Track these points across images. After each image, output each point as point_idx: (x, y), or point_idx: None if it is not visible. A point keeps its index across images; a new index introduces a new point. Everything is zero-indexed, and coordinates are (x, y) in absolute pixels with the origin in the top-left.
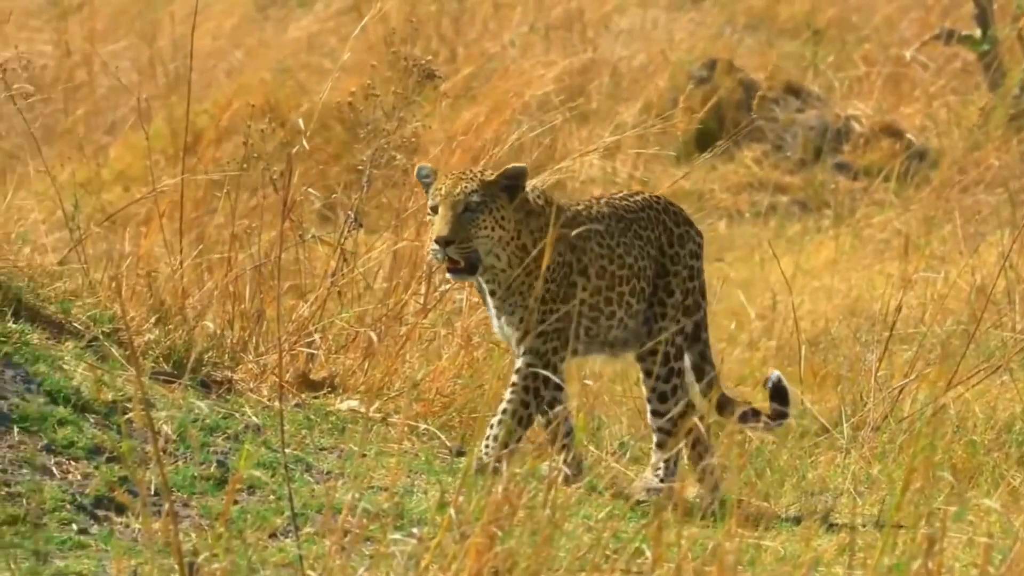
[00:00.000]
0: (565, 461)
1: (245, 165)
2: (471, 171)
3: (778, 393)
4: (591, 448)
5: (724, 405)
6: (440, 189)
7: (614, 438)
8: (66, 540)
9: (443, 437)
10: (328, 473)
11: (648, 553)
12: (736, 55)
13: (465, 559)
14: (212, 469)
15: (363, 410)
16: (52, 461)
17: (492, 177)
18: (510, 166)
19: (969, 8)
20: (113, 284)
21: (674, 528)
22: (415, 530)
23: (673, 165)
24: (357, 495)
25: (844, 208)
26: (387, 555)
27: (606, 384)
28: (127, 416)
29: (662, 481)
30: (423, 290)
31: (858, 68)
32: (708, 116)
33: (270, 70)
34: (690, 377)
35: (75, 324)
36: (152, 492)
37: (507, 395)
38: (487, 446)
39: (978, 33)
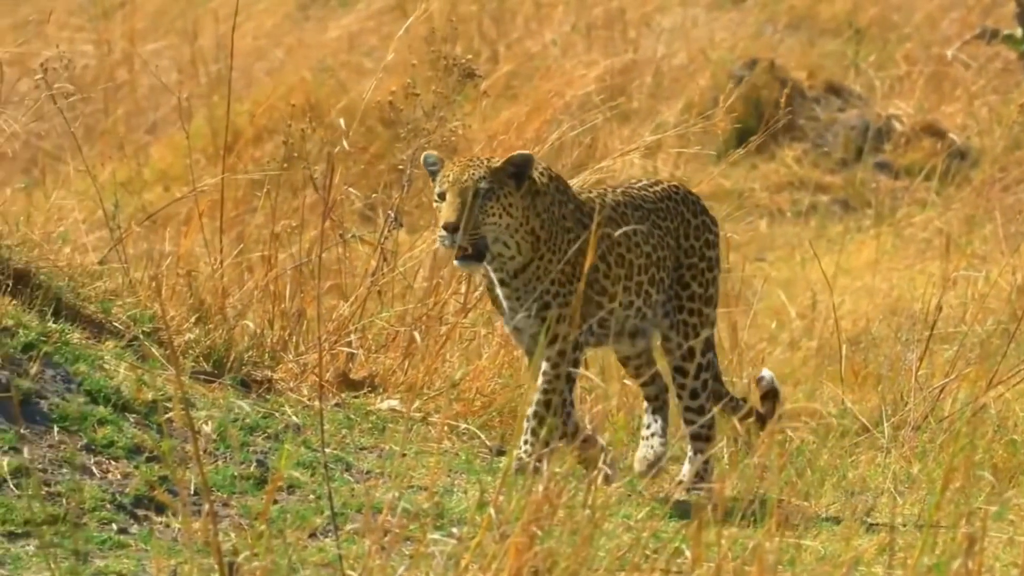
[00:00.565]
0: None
1: (285, 164)
2: (478, 158)
3: (770, 394)
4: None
5: (721, 397)
6: (448, 176)
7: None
8: (106, 540)
9: (483, 436)
10: (368, 472)
11: (687, 553)
12: (777, 54)
13: (505, 559)
14: (252, 469)
15: (403, 409)
16: (92, 461)
17: (499, 164)
18: (516, 153)
19: (1011, 7)
20: (153, 283)
21: (714, 528)
22: (455, 530)
23: (713, 164)
24: (397, 495)
25: (885, 207)
26: (427, 555)
27: None
28: (167, 416)
29: (701, 479)
30: (463, 289)
31: (899, 67)
32: (748, 115)
33: (311, 69)
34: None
35: (115, 324)
36: (192, 492)
37: (539, 385)
38: (524, 438)
39: (1019, 32)
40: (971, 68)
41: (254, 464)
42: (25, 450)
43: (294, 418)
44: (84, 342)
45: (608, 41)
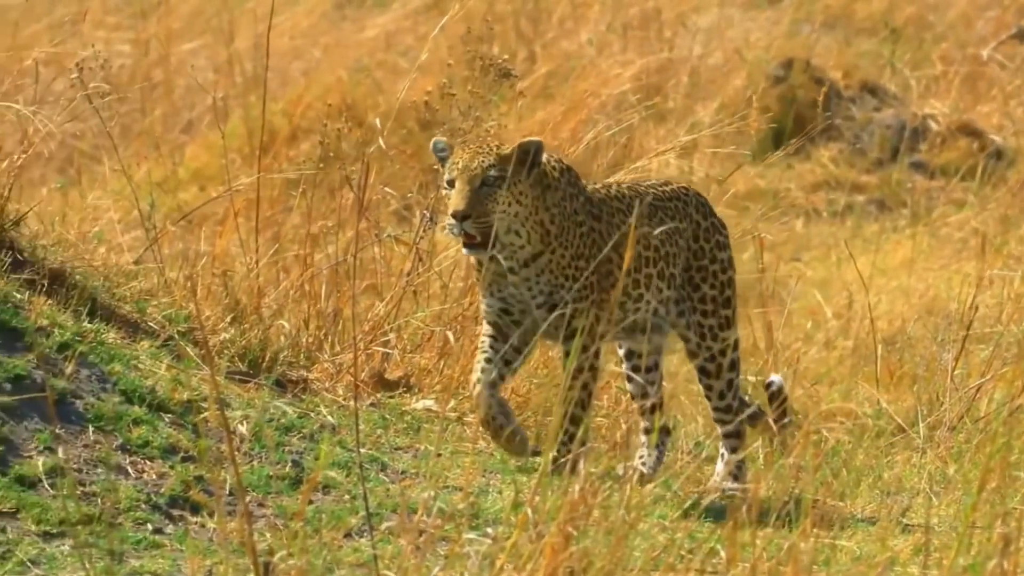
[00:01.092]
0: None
1: (321, 164)
2: (488, 145)
3: (776, 398)
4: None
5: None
6: (457, 163)
7: (689, 437)
8: (141, 540)
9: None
10: (403, 473)
11: (723, 553)
12: (813, 54)
13: (540, 559)
14: (287, 469)
15: (438, 409)
16: (127, 461)
17: (508, 151)
18: (525, 140)
19: None
20: (189, 283)
21: (749, 528)
22: (490, 530)
23: (749, 164)
24: (432, 495)
25: (921, 207)
26: (462, 555)
27: (682, 384)
28: (202, 416)
29: (735, 479)
30: None
31: (935, 67)
32: (784, 115)
33: (347, 69)
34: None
35: (151, 323)
36: (227, 492)
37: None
38: (560, 439)
39: None
40: (1007, 68)
41: (289, 464)
42: (60, 450)
43: (329, 418)
44: (119, 342)
45: (644, 41)
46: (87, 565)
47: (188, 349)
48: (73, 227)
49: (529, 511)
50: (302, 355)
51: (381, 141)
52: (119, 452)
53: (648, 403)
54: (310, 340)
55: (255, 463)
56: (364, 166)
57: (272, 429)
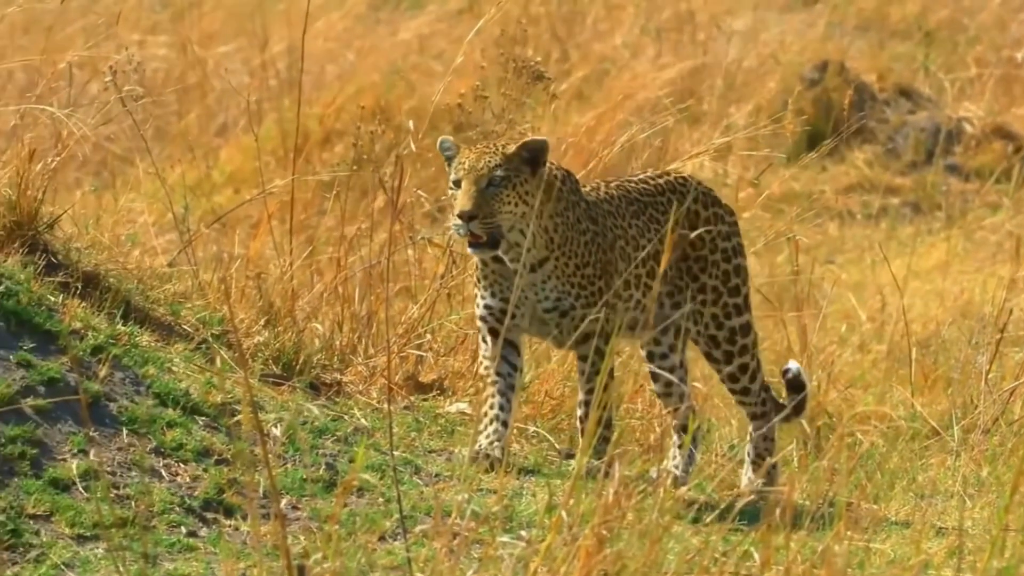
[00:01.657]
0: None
1: (355, 167)
2: (494, 145)
3: (796, 386)
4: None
5: (772, 397)
6: (463, 163)
7: (724, 440)
8: (175, 542)
9: (552, 440)
10: (437, 475)
11: (757, 556)
12: (847, 57)
13: (574, 562)
14: (321, 471)
15: (472, 412)
16: (161, 463)
17: (513, 150)
18: (530, 139)
19: None
20: (222, 286)
21: (783, 531)
22: (524, 532)
23: (784, 166)
24: (466, 497)
25: (955, 210)
26: (496, 558)
27: (716, 386)
28: (236, 418)
29: (769, 479)
30: None
31: (969, 69)
32: (818, 118)
33: (381, 72)
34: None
35: (184, 326)
36: (261, 495)
37: (584, 387)
38: (598, 450)
39: None
40: None
41: (323, 467)
42: (94, 453)
43: (363, 421)
44: (153, 345)
45: (678, 43)
46: (121, 568)
47: (222, 352)
48: (107, 230)
49: (563, 514)
50: (336, 358)
51: (414, 144)
52: (153, 455)
53: (681, 405)
54: (344, 343)
55: (289, 466)
56: (398, 169)
57: (306, 432)
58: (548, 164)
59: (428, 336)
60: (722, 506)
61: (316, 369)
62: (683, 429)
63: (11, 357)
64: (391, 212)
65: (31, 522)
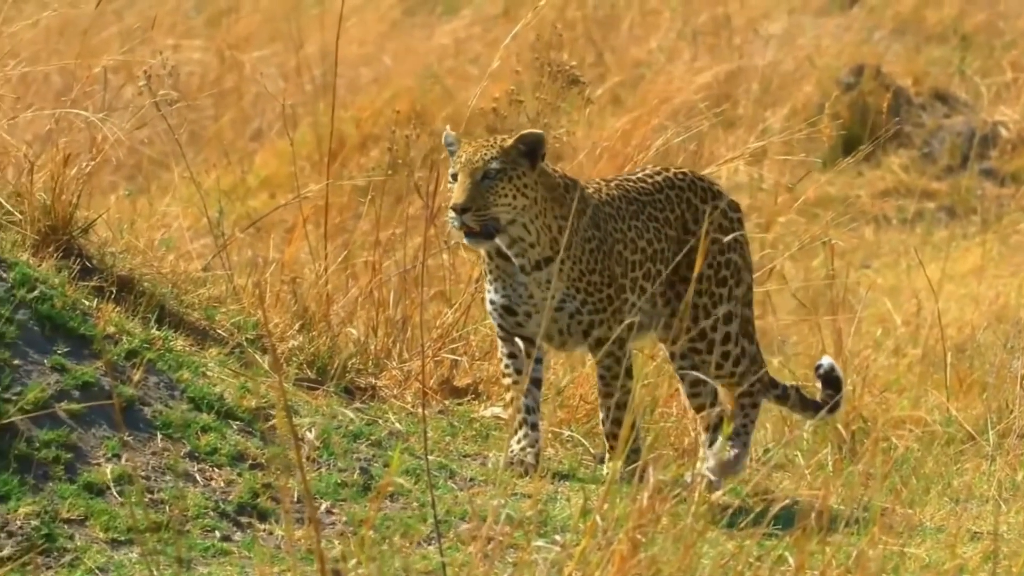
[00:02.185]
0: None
1: (390, 171)
2: (493, 138)
3: (830, 381)
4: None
5: (767, 386)
6: (460, 156)
7: (758, 444)
8: (209, 547)
9: (587, 444)
10: (472, 480)
11: (791, 561)
12: (883, 61)
13: (608, 566)
14: (355, 476)
15: (507, 416)
16: (195, 468)
17: (510, 143)
18: (526, 131)
19: None
20: (257, 290)
21: (818, 535)
22: (558, 537)
23: (819, 171)
24: (501, 502)
25: (991, 214)
26: (530, 562)
27: None
28: (270, 423)
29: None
30: None
31: (1005, 74)
32: (854, 122)
33: (416, 76)
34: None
35: (219, 331)
36: (295, 499)
37: (602, 390)
38: (610, 446)
39: None
40: None
41: (358, 471)
42: (128, 457)
43: (398, 425)
44: (187, 349)
45: (714, 47)
46: (155, 573)
47: (256, 356)
48: (142, 234)
49: (598, 518)
50: (370, 362)
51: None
52: (187, 459)
53: (709, 402)
54: (378, 347)
55: (323, 470)
56: (433, 173)
57: (340, 436)
58: (555, 173)
59: (463, 340)
60: (756, 510)
61: (350, 373)
62: (715, 429)
63: (45, 361)
64: (426, 216)
65: (65, 526)
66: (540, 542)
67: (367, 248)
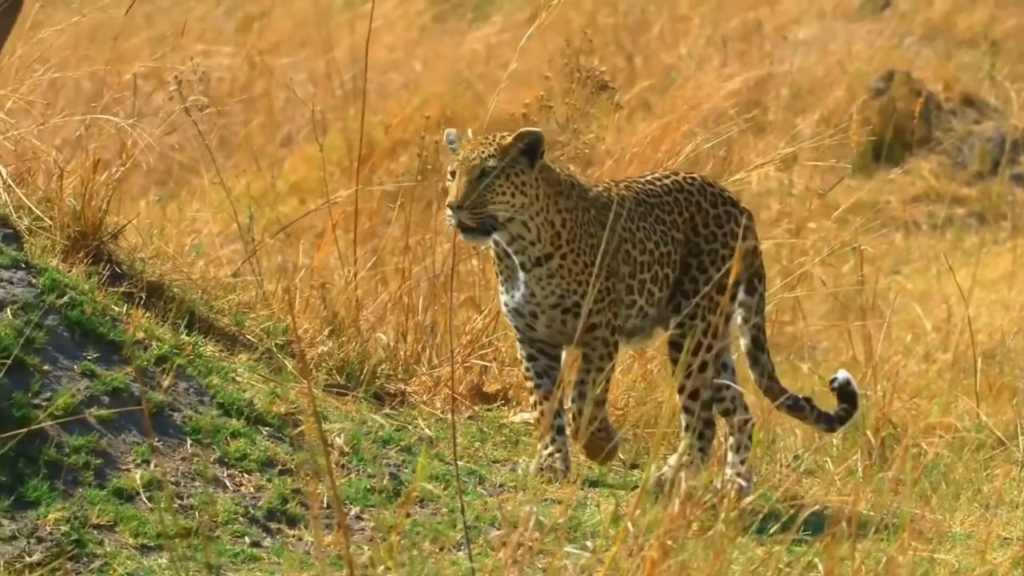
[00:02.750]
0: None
1: (420, 177)
2: (491, 136)
3: (846, 395)
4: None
5: (776, 393)
6: (459, 154)
7: (788, 451)
8: (238, 552)
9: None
10: (501, 486)
11: (821, 567)
12: (914, 66)
13: (639, 572)
14: (385, 481)
15: (533, 420)
16: (225, 473)
17: (508, 141)
18: (524, 129)
19: None
20: (287, 296)
21: (847, 542)
22: (588, 543)
23: (849, 176)
24: (531, 508)
25: (1021, 220)
26: (560, 568)
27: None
28: (300, 429)
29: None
30: None
31: None
32: (885, 128)
33: (446, 82)
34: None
35: (248, 336)
36: (325, 505)
37: (584, 373)
38: (597, 428)
39: None
40: None
41: (387, 477)
42: (157, 463)
43: (427, 431)
44: (217, 355)
45: (744, 53)
46: None
47: (286, 362)
48: (171, 240)
49: (628, 524)
50: (400, 368)
51: None
52: (217, 465)
53: (733, 405)
54: (408, 353)
55: (352, 476)
56: None
57: (369, 442)
58: (557, 168)
59: (492, 346)
60: (786, 516)
61: (380, 379)
62: (739, 431)
63: (75, 367)
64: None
65: (95, 532)
66: (570, 548)
67: (397, 254)
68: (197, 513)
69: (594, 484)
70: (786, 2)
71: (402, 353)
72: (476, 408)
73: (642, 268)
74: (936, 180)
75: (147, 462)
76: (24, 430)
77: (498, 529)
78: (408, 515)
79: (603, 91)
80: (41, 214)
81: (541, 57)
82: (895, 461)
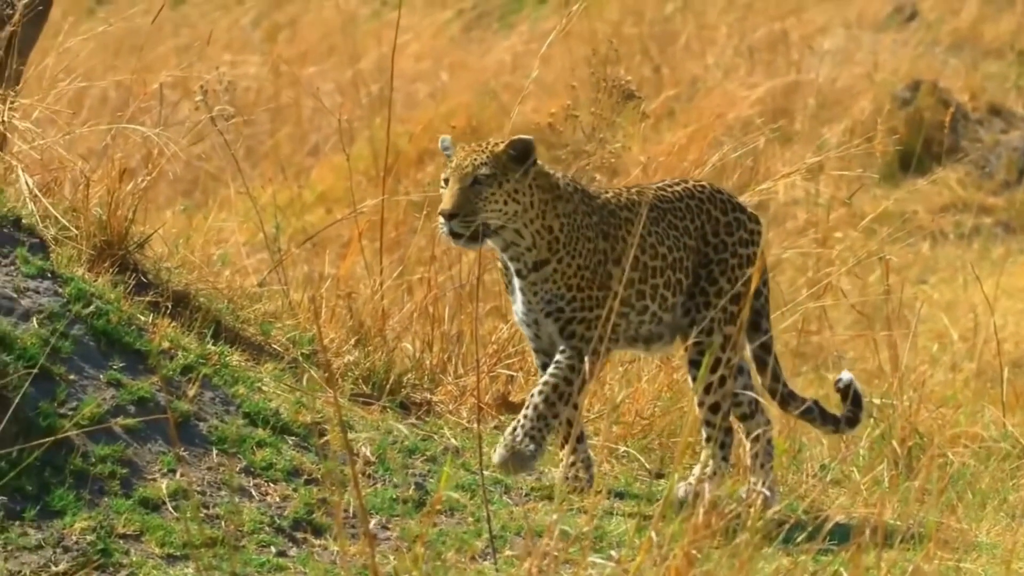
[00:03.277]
0: (577, 468)
1: None
2: (484, 143)
3: (849, 396)
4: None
5: (787, 399)
6: (452, 162)
7: (814, 460)
8: (264, 562)
9: (642, 459)
10: (527, 495)
11: None
12: (940, 76)
13: None
14: (411, 491)
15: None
16: (251, 483)
17: (501, 148)
18: (516, 137)
19: None
20: (313, 306)
21: (873, 551)
22: (614, 553)
23: (876, 186)
24: (556, 517)
25: None
26: None
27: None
28: (325, 438)
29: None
30: None
31: None
32: (912, 137)
33: (473, 91)
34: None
35: (274, 346)
36: (351, 514)
37: (549, 371)
38: (525, 418)
39: None
40: None
41: (413, 487)
42: (183, 472)
43: (453, 440)
44: (243, 364)
45: (771, 63)
46: None
47: (312, 371)
48: (198, 249)
49: (653, 534)
50: (426, 377)
51: None
52: (242, 474)
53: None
54: (434, 362)
55: (378, 486)
56: None
57: (395, 452)
58: (560, 174)
59: (518, 355)
60: (812, 526)
61: (406, 388)
62: (756, 441)
63: (101, 376)
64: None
65: (121, 542)
66: (595, 558)
67: (423, 263)
68: (223, 523)
69: (619, 494)
70: (812, 11)
71: (428, 363)
72: (502, 418)
73: (654, 273)
74: (963, 190)
75: (173, 471)
76: (50, 439)
77: (523, 539)
78: (434, 525)
79: (629, 100)
80: (67, 224)
81: (567, 66)
82: (921, 471)
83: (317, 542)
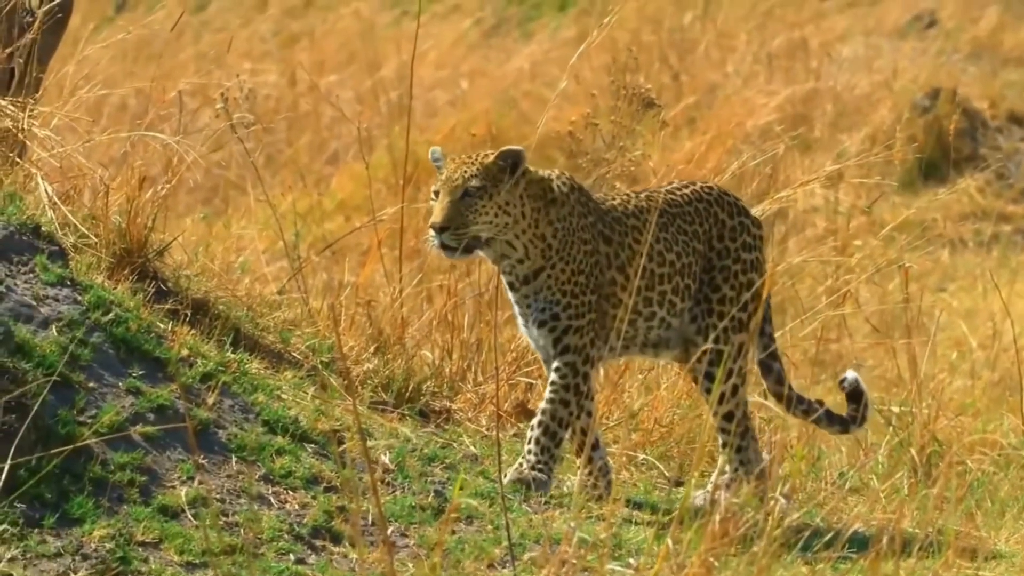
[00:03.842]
0: (594, 476)
1: None
2: (474, 155)
3: (854, 396)
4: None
5: (793, 402)
6: (442, 174)
7: (833, 468)
8: (284, 570)
9: (661, 467)
10: (546, 503)
11: None
12: (960, 84)
13: None
14: (429, 499)
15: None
16: (270, 491)
17: (491, 160)
18: (505, 148)
19: None
20: (332, 313)
21: (891, 559)
22: (632, 560)
23: (895, 194)
24: (575, 525)
25: None
26: None
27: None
28: (345, 446)
29: (728, 485)
30: None
31: None
32: (931, 145)
33: (492, 99)
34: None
35: (294, 353)
36: (369, 522)
37: (546, 396)
38: (529, 452)
39: None
40: None
41: (432, 494)
42: (202, 480)
43: (472, 448)
44: (262, 372)
45: (790, 71)
46: None
47: (331, 379)
48: (217, 257)
49: (670, 542)
50: (445, 385)
51: None
52: (262, 482)
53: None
54: (453, 370)
55: (398, 493)
56: None
57: (414, 459)
58: (556, 175)
59: (537, 363)
60: (831, 534)
61: (425, 396)
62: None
63: (120, 384)
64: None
65: (140, 549)
66: (614, 565)
67: (442, 271)
68: (242, 530)
69: (638, 502)
70: (832, 19)
71: (447, 370)
72: (521, 425)
73: (662, 279)
74: (982, 198)
75: (192, 479)
76: (69, 447)
77: (542, 546)
78: (452, 532)
79: (649, 108)
80: (87, 231)
81: (587, 75)
82: (940, 478)
83: (336, 550)
